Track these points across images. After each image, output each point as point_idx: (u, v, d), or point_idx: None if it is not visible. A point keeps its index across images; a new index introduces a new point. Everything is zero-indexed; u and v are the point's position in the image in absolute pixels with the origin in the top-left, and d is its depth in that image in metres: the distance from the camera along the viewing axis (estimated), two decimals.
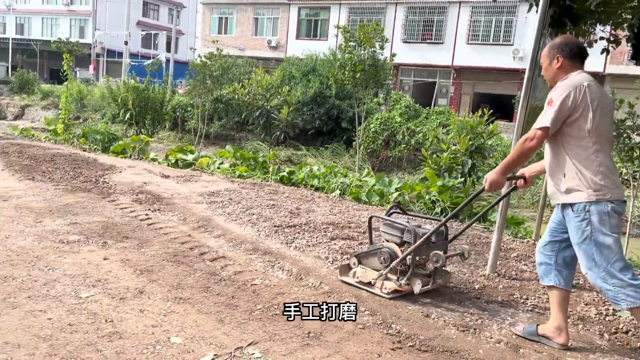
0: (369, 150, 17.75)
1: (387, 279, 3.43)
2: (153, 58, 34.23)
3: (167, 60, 33.36)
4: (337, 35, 16.43)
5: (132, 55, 37.42)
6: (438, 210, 6.36)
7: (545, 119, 2.72)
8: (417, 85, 27.69)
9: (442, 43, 26.04)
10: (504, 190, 3.67)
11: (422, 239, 3.30)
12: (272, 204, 5.90)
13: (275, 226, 4.97)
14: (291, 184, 8.08)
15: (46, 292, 3.07)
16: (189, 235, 4.54)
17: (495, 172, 2.94)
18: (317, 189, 7.75)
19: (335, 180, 8.09)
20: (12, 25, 51.07)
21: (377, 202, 6.98)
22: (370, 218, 3.82)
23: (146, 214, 5.10)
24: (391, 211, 3.83)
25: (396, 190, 7.28)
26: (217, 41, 18.64)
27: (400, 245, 3.48)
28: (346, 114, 19.43)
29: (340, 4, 28.92)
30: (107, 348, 2.50)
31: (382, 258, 3.45)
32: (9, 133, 12.64)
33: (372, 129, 17.75)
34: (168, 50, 37.79)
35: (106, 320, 2.78)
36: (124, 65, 32.57)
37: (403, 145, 17.15)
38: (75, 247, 3.93)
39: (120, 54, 38.03)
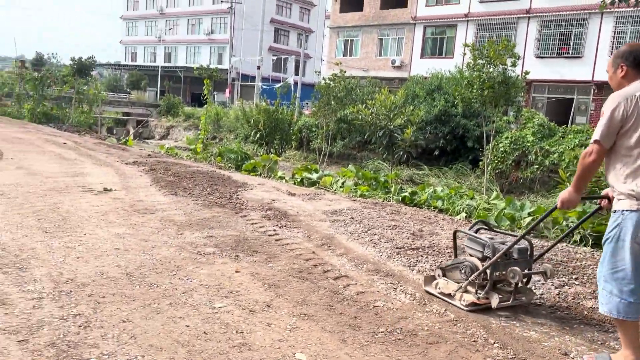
0: (497, 171, 16.92)
1: (466, 291, 3.52)
2: (283, 81, 36.03)
3: (295, 83, 34.93)
4: (464, 54, 16.00)
5: (264, 79, 39.77)
6: (577, 238, 5.83)
7: (596, 132, 2.64)
8: (552, 103, 25.96)
9: (580, 57, 24.23)
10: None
11: (499, 254, 3.33)
12: (394, 225, 5.84)
13: (397, 247, 4.90)
14: (413, 204, 7.95)
15: (185, 300, 3.32)
16: (313, 252, 4.65)
17: (568, 191, 2.86)
18: (440, 211, 7.54)
19: (460, 202, 7.81)
20: (162, 54, 57.01)
21: (507, 226, 6.59)
22: (455, 232, 3.96)
23: (274, 230, 5.33)
24: (476, 227, 3.90)
25: (529, 214, 6.82)
26: (340, 63, 19.15)
27: (481, 260, 3.53)
28: (472, 133, 18.78)
29: (467, 20, 28.22)
30: (237, 358, 2.63)
31: (463, 271, 3.55)
32: (156, 152, 14.03)
33: (502, 149, 16.91)
34: (296, 73, 39.57)
35: (237, 331, 2.93)
36: (256, 88, 34.71)
37: (536, 166, 16.09)
38: (210, 259, 4.21)
39: (253, 78, 40.63)
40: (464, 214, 7.21)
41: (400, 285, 3.89)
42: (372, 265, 4.34)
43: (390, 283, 3.94)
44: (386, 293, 3.73)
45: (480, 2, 27.63)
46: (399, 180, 14.76)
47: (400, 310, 3.43)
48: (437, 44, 30.57)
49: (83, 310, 3.05)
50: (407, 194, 8.26)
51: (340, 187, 9.25)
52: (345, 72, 17.40)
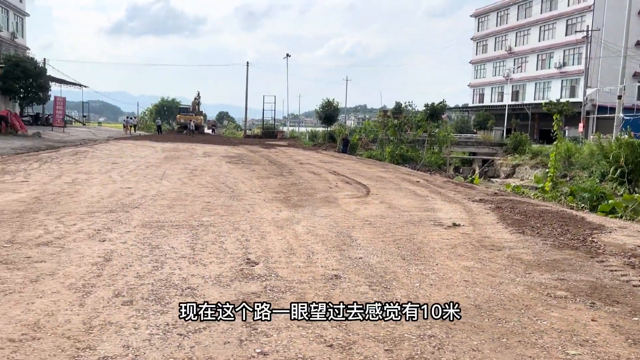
0: None
1: None
2: None
3: None
4: None
5: (626, 109, 35.03)
6: None
7: None
8: None
9: None
10: None
11: None
12: None
13: None
14: None
15: (534, 341, 3.22)
16: None
17: None
18: None
19: None
20: (509, 93, 56.80)
21: None
22: None
23: None
24: None
25: None
26: None
27: None
28: None
29: None
30: None
31: None
32: (502, 190, 14.00)
33: None
34: None
35: None
36: (616, 120, 30.83)
37: None
38: (562, 303, 3.96)
39: (612, 109, 36.28)
40: None
41: None
42: None
43: None
44: None
45: None
46: None
47: None
48: None
49: (436, 333, 3.30)
50: None
51: None
52: None
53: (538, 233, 6.69)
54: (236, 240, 5.76)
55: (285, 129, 64.14)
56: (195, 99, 51.54)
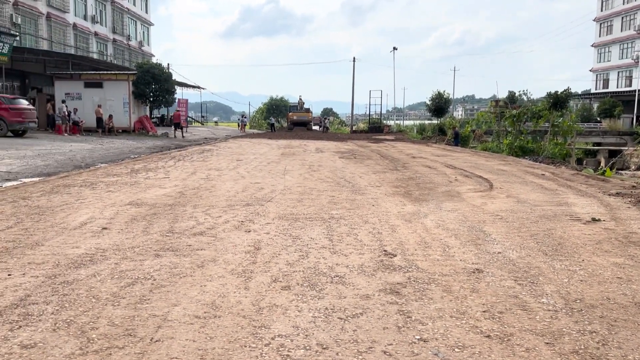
0: None
1: None
2: None
3: None
4: None
5: None
6: None
7: None
8: None
9: None
10: None
11: None
12: None
13: None
14: None
15: None
16: None
17: None
18: None
19: None
20: (638, 77, 51.73)
21: None
22: None
23: None
24: None
25: None
26: None
27: None
28: None
29: None
30: None
31: None
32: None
33: None
34: None
35: None
36: None
37: None
38: None
39: None
40: None
41: None
42: None
43: None
44: None
45: None
46: None
47: None
48: None
49: (598, 329, 3.23)
50: None
51: None
52: None
53: None
54: (368, 232, 5.96)
55: (391, 122, 63.79)
56: (299, 102, 53.21)
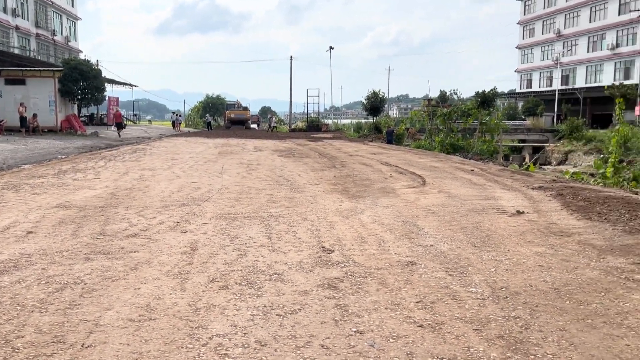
0: None
1: None
2: None
3: None
4: None
5: None
6: None
7: None
8: None
9: None
10: None
11: None
12: None
13: None
14: None
15: (620, 322, 3.30)
16: None
17: None
18: None
19: None
20: (558, 78, 55.05)
21: None
22: None
23: None
24: None
25: None
26: None
27: None
28: None
29: None
30: None
31: None
32: (560, 177, 13.74)
33: None
34: None
35: None
36: None
37: None
38: None
39: None
40: None
41: None
42: None
43: None
44: None
45: None
46: None
47: None
48: None
49: (521, 314, 3.43)
50: None
51: None
52: None
53: (606, 219, 6.63)
54: (307, 230, 6.01)
55: (329, 121, 64.38)
56: (236, 102, 52.74)
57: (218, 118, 66.35)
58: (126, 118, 58.57)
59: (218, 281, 4.09)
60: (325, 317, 3.38)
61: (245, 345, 2.94)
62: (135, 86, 51.85)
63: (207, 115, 60.16)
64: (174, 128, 47.29)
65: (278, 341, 3.01)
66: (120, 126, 32.47)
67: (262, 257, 4.81)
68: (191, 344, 2.95)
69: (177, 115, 52.29)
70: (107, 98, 40.35)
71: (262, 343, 2.98)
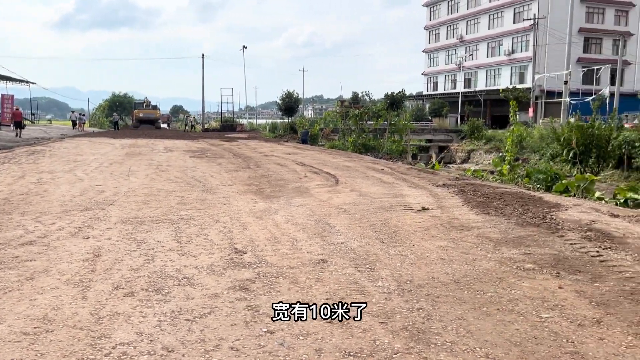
0: None
1: None
2: (595, 94, 32.62)
3: (612, 94, 31.17)
4: None
5: (572, 94, 36.69)
6: None
7: None
8: None
9: None
10: None
11: None
12: None
13: None
14: None
15: (511, 308, 3.58)
16: None
17: None
18: None
19: None
20: (461, 80, 58.30)
21: None
22: None
23: (597, 251, 5.09)
24: None
25: None
26: None
27: None
28: None
29: None
30: None
31: None
32: (463, 175, 14.58)
33: None
34: (612, 83, 35.29)
35: (567, 340, 3.04)
36: (563, 104, 32.30)
37: None
38: (531, 274, 4.35)
39: (559, 94, 37.93)
40: None
41: None
42: None
43: None
44: None
45: None
46: None
47: None
48: None
49: (424, 306, 3.61)
50: None
51: None
52: None
53: (502, 213, 7.13)
54: (219, 232, 5.93)
55: (244, 121, 63.73)
56: (144, 100, 50.83)
57: (126, 117, 63.47)
58: (24, 118, 54.36)
59: (123, 288, 3.92)
60: (235, 319, 3.36)
61: (151, 352, 2.86)
62: (33, 83, 48.31)
63: (114, 114, 57.24)
64: (74, 128, 44.44)
65: (186, 346, 2.95)
66: (19, 125, 29.69)
67: (171, 261, 4.68)
68: (92, 355, 2.81)
69: (80, 114, 49.24)
70: (0, 96, 37.27)
71: (170, 349, 2.90)
